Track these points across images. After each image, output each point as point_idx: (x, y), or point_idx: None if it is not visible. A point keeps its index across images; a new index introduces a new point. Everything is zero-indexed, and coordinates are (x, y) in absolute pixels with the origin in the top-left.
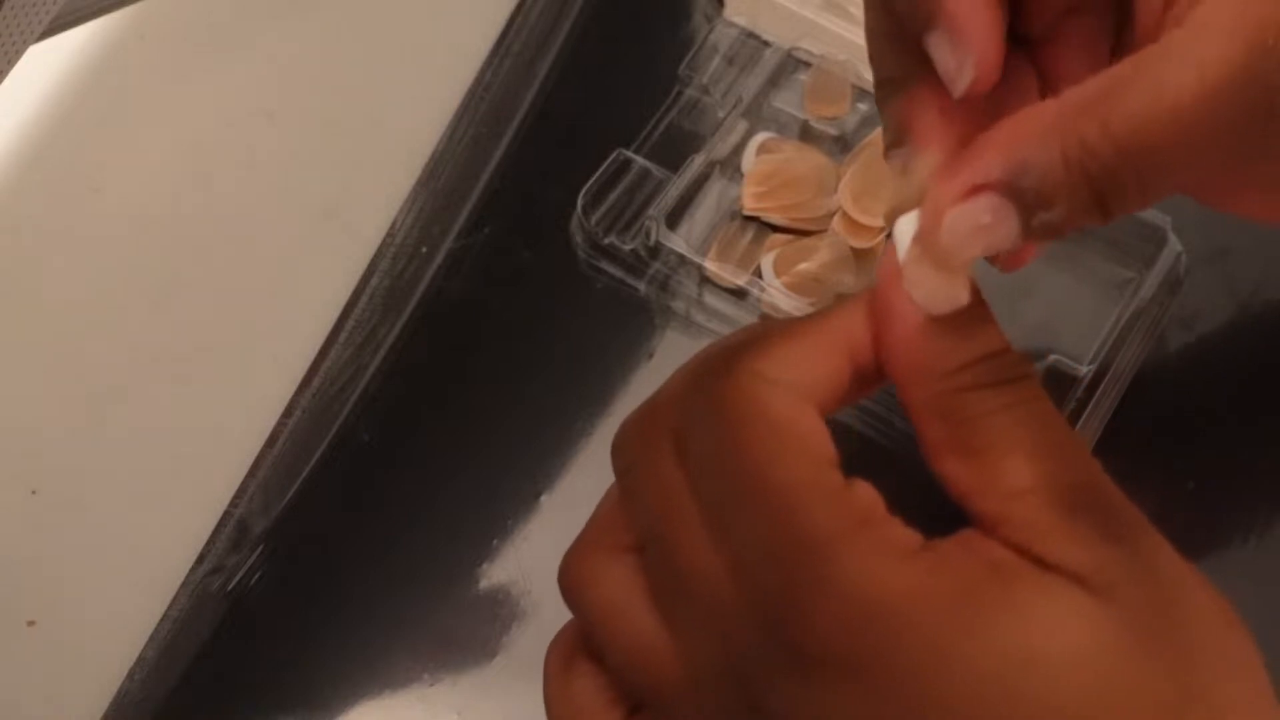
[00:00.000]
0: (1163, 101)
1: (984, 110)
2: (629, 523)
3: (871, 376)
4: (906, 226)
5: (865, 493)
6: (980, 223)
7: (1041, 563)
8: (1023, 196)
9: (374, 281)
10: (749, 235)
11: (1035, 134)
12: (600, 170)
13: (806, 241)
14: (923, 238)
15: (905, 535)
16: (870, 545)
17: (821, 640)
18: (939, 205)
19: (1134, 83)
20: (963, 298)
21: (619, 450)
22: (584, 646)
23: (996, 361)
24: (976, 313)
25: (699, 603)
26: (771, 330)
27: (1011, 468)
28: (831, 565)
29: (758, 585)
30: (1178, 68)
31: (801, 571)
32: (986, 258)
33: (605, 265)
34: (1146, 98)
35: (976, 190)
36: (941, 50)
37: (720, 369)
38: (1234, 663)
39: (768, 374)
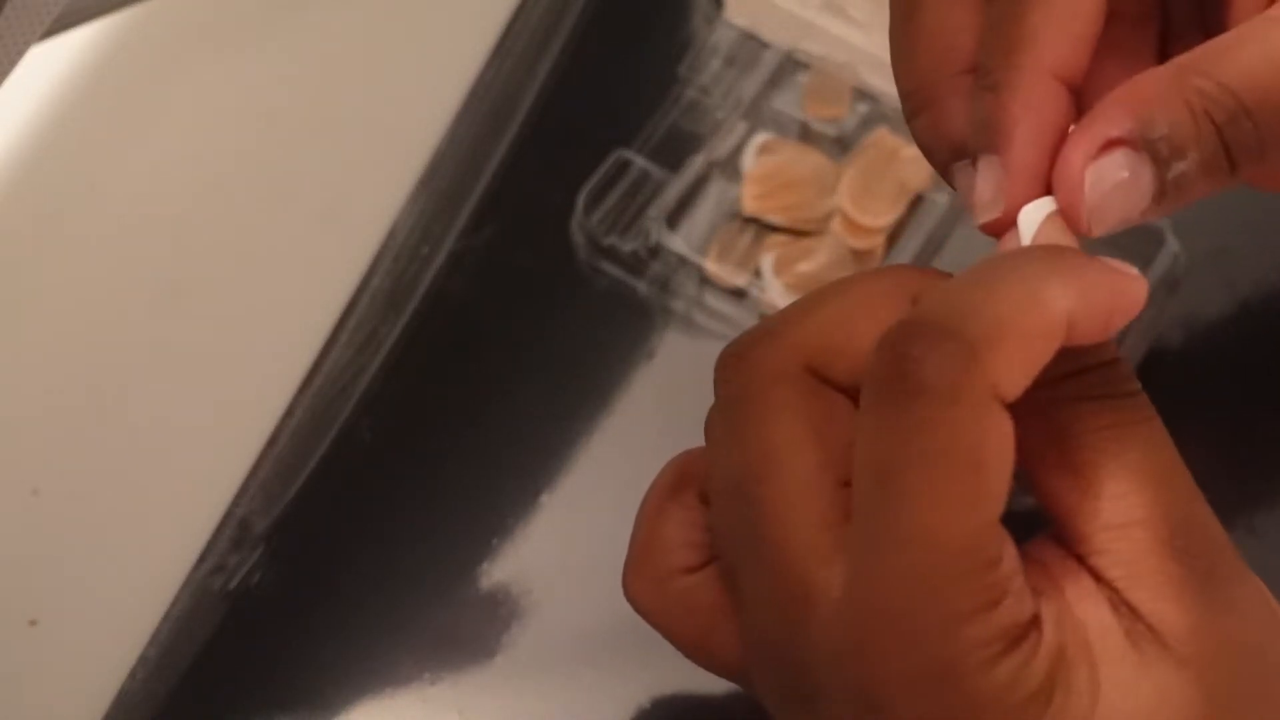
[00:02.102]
0: (1272, 56)
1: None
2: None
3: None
4: (1034, 214)
5: (1010, 563)
6: (1119, 178)
7: (1134, 613)
8: (1155, 148)
9: (374, 281)
10: (749, 236)
11: (1157, 91)
12: (600, 170)
13: (806, 242)
14: (1063, 207)
15: (1024, 612)
16: (991, 634)
17: (906, 708)
18: (1073, 168)
19: (1245, 43)
20: (1143, 303)
21: (728, 374)
22: (698, 482)
23: (1108, 373)
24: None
25: (777, 579)
26: (1001, 310)
27: (1116, 494)
28: (945, 646)
29: (862, 629)
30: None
31: (914, 642)
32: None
33: (605, 265)
34: (1257, 53)
35: (1109, 146)
36: (985, 174)
37: (952, 375)
38: None
39: (1003, 390)
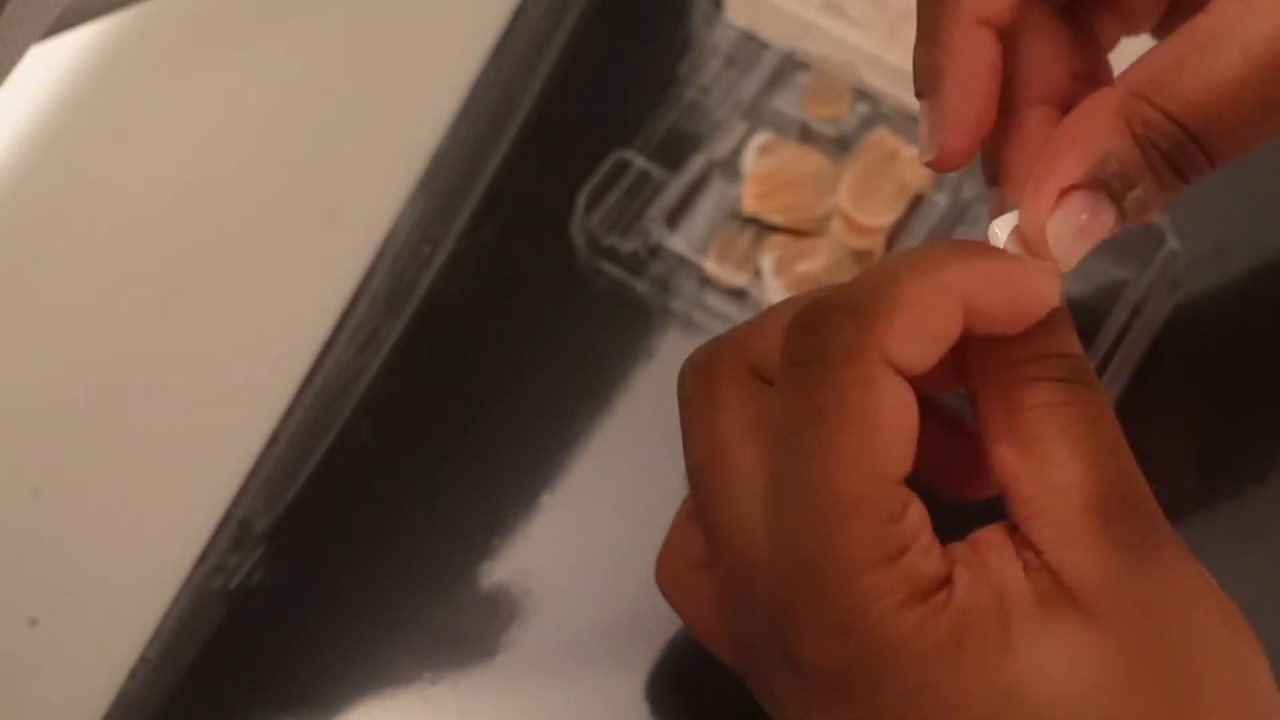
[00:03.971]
0: (1213, 81)
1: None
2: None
3: (985, 331)
4: (1002, 227)
5: (913, 520)
6: (1080, 222)
7: (1054, 575)
8: (1109, 185)
9: (374, 281)
10: (749, 236)
11: (1105, 126)
12: (600, 170)
13: (806, 242)
14: (1031, 250)
15: (932, 567)
16: (892, 583)
17: (816, 658)
18: (1036, 223)
19: (1185, 66)
20: (1054, 299)
21: (684, 378)
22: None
23: (1068, 362)
24: (1058, 315)
25: (728, 557)
26: (897, 288)
27: (1058, 462)
28: (847, 594)
29: (777, 587)
30: (1224, 50)
31: (821, 593)
32: None
33: (605, 265)
34: (1199, 78)
35: (1066, 194)
36: (924, 118)
37: (846, 341)
38: (1230, 691)
39: (897, 358)
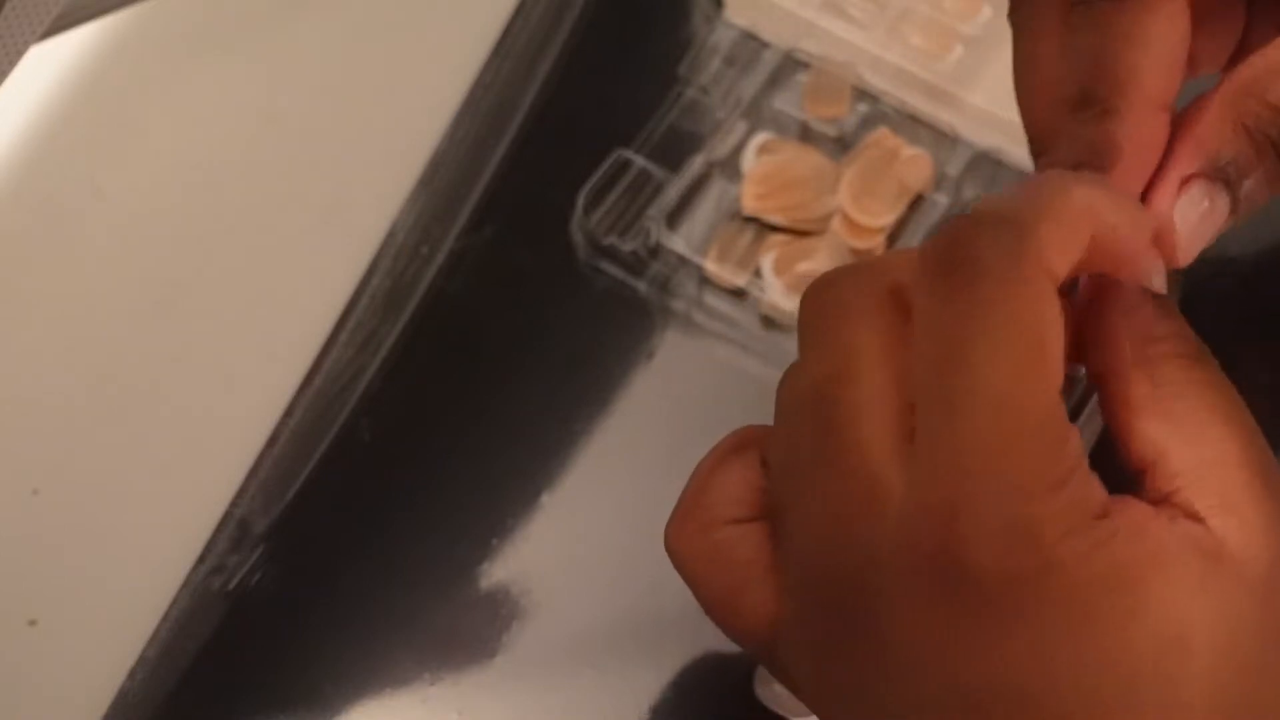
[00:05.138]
0: None
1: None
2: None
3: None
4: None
5: (1077, 443)
6: (1202, 208)
7: (1218, 540)
8: (1225, 173)
9: (374, 281)
10: (749, 236)
11: (1218, 121)
12: (600, 170)
13: (806, 242)
14: (1160, 247)
15: (1097, 496)
16: (1067, 503)
17: (982, 570)
18: (1163, 210)
19: None
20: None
21: (808, 295)
22: (761, 448)
23: (1191, 340)
24: (1169, 301)
25: (845, 481)
26: (1047, 200)
27: (1212, 439)
28: (1027, 508)
29: (938, 493)
30: None
31: (995, 501)
32: None
33: (605, 265)
34: None
35: (1186, 184)
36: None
37: (1007, 248)
38: None
39: (1055, 270)
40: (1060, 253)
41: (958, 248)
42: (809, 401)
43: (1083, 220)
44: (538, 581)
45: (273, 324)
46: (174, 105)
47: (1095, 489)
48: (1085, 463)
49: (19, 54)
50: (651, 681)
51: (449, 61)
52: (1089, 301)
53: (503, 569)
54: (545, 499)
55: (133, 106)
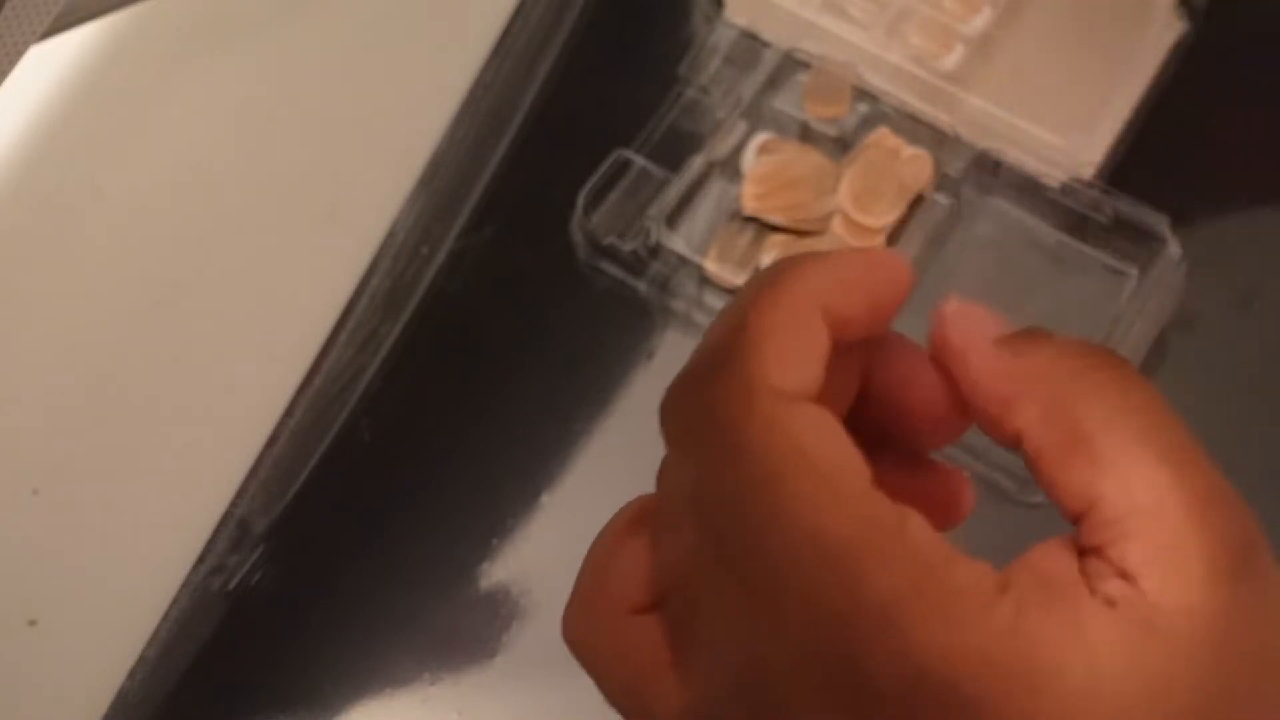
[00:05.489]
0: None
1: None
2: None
3: (854, 333)
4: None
5: (919, 530)
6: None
7: (1150, 606)
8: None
9: (374, 281)
10: (749, 235)
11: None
12: (600, 170)
13: (806, 242)
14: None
15: (974, 576)
16: (937, 602)
17: (881, 684)
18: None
19: None
20: (908, 274)
21: (692, 396)
22: (653, 525)
23: (1096, 355)
24: (1037, 329)
25: (720, 646)
26: (749, 320)
27: (1146, 474)
28: (899, 636)
29: (809, 645)
30: None
31: (865, 641)
32: None
33: (605, 265)
34: None
35: None
36: None
37: (732, 391)
38: None
39: (785, 386)
40: (789, 367)
41: (687, 410)
42: (732, 510)
43: (798, 319)
44: (538, 581)
45: (273, 324)
46: (174, 105)
47: (968, 567)
48: (942, 546)
49: (19, 54)
50: None
51: (449, 61)
52: (941, 369)
53: (503, 569)
54: (545, 499)
55: (133, 106)
